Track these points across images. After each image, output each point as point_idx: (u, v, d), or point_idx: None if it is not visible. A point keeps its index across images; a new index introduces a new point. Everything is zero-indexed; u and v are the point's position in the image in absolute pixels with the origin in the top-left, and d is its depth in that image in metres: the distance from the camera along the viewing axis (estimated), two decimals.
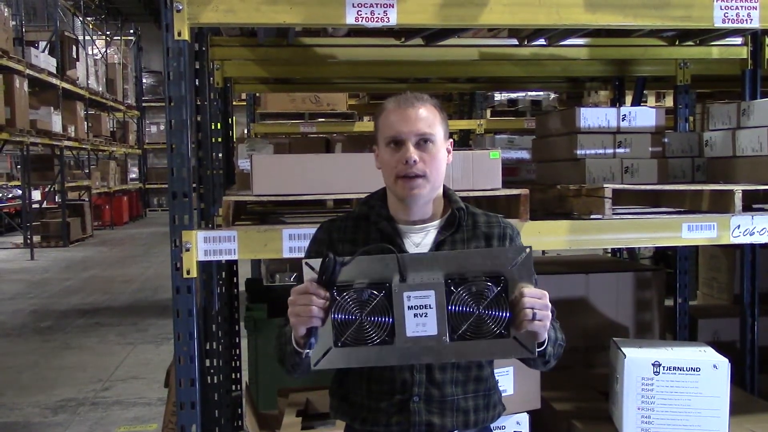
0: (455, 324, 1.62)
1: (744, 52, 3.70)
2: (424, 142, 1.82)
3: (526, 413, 2.87)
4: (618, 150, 3.18)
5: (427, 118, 1.84)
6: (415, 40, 3.65)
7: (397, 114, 1.84)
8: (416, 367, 1.84)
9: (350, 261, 1.63)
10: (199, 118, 3.20)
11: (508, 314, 1.62)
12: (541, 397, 2.95)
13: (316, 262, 1.64)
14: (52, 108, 13.86)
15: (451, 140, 1.94)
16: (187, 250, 2.33)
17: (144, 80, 24.85)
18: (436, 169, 1.84)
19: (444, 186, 1.93)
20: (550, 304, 1.66)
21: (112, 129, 20.85)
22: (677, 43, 3.77)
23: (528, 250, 1.65)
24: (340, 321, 1.63)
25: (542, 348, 1.74)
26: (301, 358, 1.73)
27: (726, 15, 2.51)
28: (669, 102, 8.21)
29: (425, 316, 1.61)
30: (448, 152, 1.90)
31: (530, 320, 1.61)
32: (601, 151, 3.17)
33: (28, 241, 13.96)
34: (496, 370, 2.00)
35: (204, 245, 2.37)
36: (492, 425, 1.97)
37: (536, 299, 1.63)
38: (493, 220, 1.95)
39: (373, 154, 1.93)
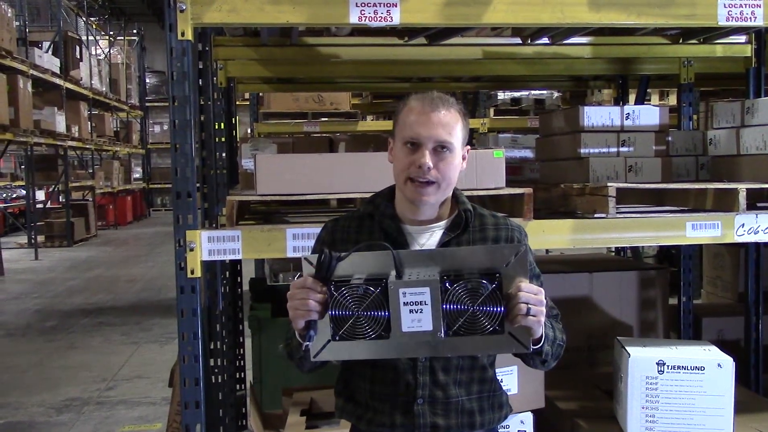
0: (450, 320, 1.64)
1: (748, 50, 3.70)
2: (441, 148, 1.80)
3: (530, 412, 2.87)
4: (622, 149, 3.18)
5: (449, 124, 1.80)
6: (418, 39, 3.65)
7: (419, 115, 1.80)
8: (419, 368, 1.83)
9: (346, 257, 1.66)
10: (202, 118, 3.21)
11: (502, 311, 1.64)
12: (545, 396, 2.95)
13: (314, 258, 1.67)
14: (55, 108, 13.88)
15: (469, 147, 1.90)
16: (191, 249, 2.34)
17: (147, 80, 24.89)
18: (448, 178, 1.82)
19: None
20: (545, 301, 1.66)
21: (115, 129, 20.89)
22: (681, 41, 3.76)
23: (523, 248, 1.66)
24: (337, 315, 1.65)
25: (539, 346, 1.74)
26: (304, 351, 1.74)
27: (730, 13, 2.50)
28: (673, 100, 8.21)
29: (420, 312, 1.64)
30: (464, 158, 1.87)
31: (524, 315, 1.62)
32: (604, 149, 3.17)
33: (33, 241, 14.00)
34: (500, 370, 1.99)
35: (208, 245, 2.38)
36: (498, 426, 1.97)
37: (531, 294, 1.63)
38: (501, 223, 1.92)
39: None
